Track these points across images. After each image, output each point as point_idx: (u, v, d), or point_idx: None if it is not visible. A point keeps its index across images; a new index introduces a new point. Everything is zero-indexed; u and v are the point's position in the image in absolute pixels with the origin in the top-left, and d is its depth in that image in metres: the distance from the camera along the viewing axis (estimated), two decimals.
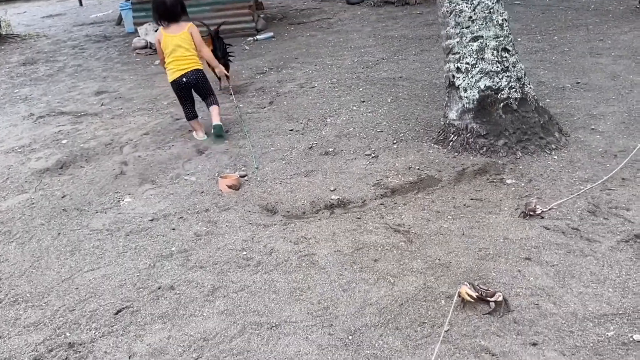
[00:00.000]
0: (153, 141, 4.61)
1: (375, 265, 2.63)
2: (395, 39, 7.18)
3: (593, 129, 3.84)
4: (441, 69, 5.65)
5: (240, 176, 3.79)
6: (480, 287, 2.28)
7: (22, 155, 4.60)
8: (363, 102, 5.04)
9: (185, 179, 3.87)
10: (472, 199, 3.14)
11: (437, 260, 2.60)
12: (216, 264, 2.79)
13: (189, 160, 4.19)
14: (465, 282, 2.30)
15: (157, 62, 7.33)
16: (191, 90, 4.62)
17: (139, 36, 8.27)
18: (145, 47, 8.10)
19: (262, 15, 9.32)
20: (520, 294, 2.29)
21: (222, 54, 5.65)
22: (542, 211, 2.84)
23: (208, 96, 4.70)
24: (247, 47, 7.74)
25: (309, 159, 3.98)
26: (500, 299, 2.22)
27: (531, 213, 2.83)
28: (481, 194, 3.19)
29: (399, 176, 3.54)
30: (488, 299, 2.22)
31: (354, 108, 4.91)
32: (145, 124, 5.04)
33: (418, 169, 3.61)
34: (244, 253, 2.85)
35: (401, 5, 9.26)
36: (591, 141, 3.64)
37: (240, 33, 8.40)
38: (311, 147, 4.18)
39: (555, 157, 3.47)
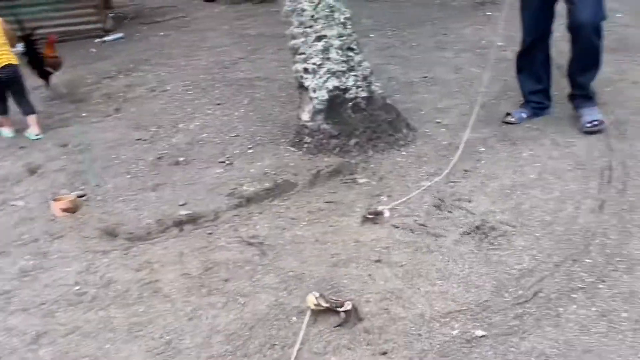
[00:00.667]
0: None
1: (225, 286, 2.45)
2: (253, 37, 7.03)
3: (438, 122, 3.98)
4: None
5: (78, 196, 3.40)
6: (330, 298, 2.20)
7: None
8: (219, 105, 4.82)
9: (12, 205, 3.40)
10: (326, 202, 3.08)
11: (291, 273, 2.49)
12: (43, 304, 2.44)
13: (19, 182, 3.70)
14: (314, 292, 2.20)
15: None
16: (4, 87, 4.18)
17: None
18: None
19: (111, 15, 8.67)
20: (371, 299, 2.25)
21: (36, 63, 5.07)
22: (385, 212, 2.82)
23: (22, 102, 4.25)
24: (93, 50, 7.13)
25: (157, 171, 3.69)
26: (350, 307, 2.15)
27: (372, 216, 2.81)
28: (335, 195, 3.14)
29: (255, 183, 3.39)
30: (338, 309, 2.15)
31: (209, 112, 4.68)
32: None
33: (274, 174, 3.48)
34: (77, 288, 2.53)
35: (259, 2, 9.11)
36: (437, 135, 3.77)
37: (86, 34, 7.73)
38: (160, 157, 3.89)
39: (404, 153, 3.53)
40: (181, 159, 3.83)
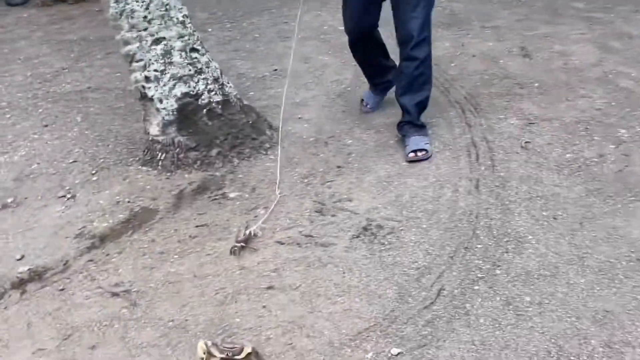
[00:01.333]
0: None
1: (93, 355, 2.02)
2: (75, 43, 6.22)
3: (300, 117, 3.80)
4: None
5: None
6: (224, 346, 1.89)
7: None
8: (46, 126, 4.13)
9: None
10: (197, 227, 2.74)
11: (171, 322, 2.13)
12: None
13: None
14: (204, 341, 1.89)
15: None
16: None
17: None
18: None
19: None
20: (272, 336, 2.00)
21: None
22: (256, 232, 2.55)
23: None
24: None
25: None
26: (250, 351, 1.87)
27: (242, 245, 2.48)
28: (206, 217, 2.80)
29: (107, 216, 2.92)
30: (236, 357, 1.86)
31: (36, 136, 3.98)
32: None
33: (128, 201, 3.03)
34: None
35: (75, 2, 8.14)
36: (301, 132, 3.58)
37: None
38: None
39: (272, 157, 3.29)
40: (9, 200, 3.18)
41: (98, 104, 4.46)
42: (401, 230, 2.48)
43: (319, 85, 4.35)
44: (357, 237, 2.48)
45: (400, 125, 3.22)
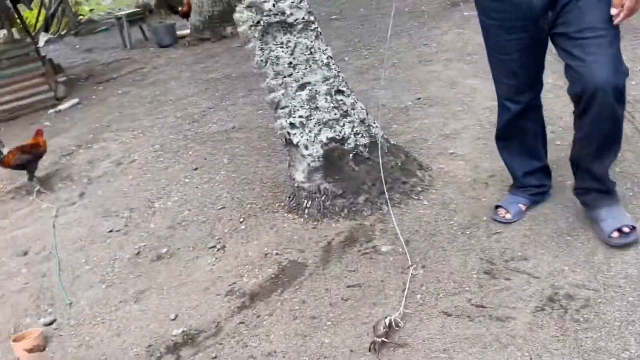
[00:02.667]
0: None
1: None
2: (219, 81, 6.46)
3: (452, 153, 3.45)
4: None
5: (46, 325, 2.78)
6: None
7: None
8: (196, 169, 4.23)
9: None
10: (349, 287, 2.51)
11: None
12: None
13: None
14: None
15: None
16: None
17: None
18: None
19: (61, 80, 8.04)
20: None
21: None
22: (398, 323, 2.12)
23: None
24: (47, 124, 6.48)
25: (137, 272, 3.08)
26: None
27: (383, 340, 2.05)
28: (357, 275, 2.56)
29: (256, 271, 2.81)
30: None
31: (187, 180, 4.08)
32: None
33: (276, 254, 2.90)
34: None
35: (218, 40, 8.57)
36: (455, 170, 3.23)
37: (38, 106, 7.09)
38: (139, 252, 3.28)
39: (426, 202, 2.97)
40: (163, 250, 3.23)
41: (243, 144, 4.50)
42: (600, 303, 2.02)
43: (469, 113, 3.96)
44: (542, 309, 2.07)
45: (580, 192, 2.46)
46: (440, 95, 4.38)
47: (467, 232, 2.64)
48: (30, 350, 2.59)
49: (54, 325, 2.80)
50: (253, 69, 3.07)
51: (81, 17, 14.13)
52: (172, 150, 4.71)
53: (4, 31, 11.04)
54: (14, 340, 2.64)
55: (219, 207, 3.56)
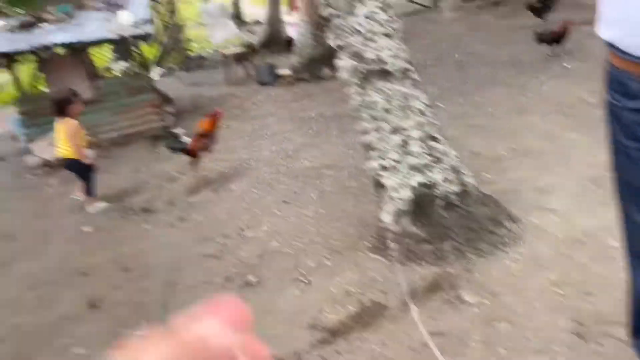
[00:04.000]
0: (37, 296, 3.74)
1: None
2: (314, 120, 6.73)
3: (545, 207, 3.37)
4: None
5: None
6: None
7: None
8: (286, 202, 4.43)
9: (76, 354, 3.04)
10: (431, 334, 2.51)
11: None
12: None
13: (79, 319, 3.37)
14: None
15: (54, 182, 6.53)
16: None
17: (34, 154, 7.42)
18: (41, 165, 7.23)
19: (170, 111, 8.71)
20: None
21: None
22: None
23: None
24: (157, 151, 7.03)
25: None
26: None
27: None
28: (441, 323, 2.56)
29: (338, 307, 2.88)
30: None
31: (277, 212, 4.27)
32: (32, 272, 4.16)
33: (359, 292, 2.97)
34: None
35: (315, 81, 8.93)
36: (547, 225, 3.15)
37: (149, 134, 7.72)
38: (229, 277, 3.47)
39: (515, 255, 2.93)
40: (252, 278, 3.39)
41: (332, 181, 4.64)
42: None
43: (565, 167, 3.85)
44: None
45: None
46: (536, 147, 4.30)
47: (558, 291, 2.56)
48: None
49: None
50: (350, 112, 3.21)
51: (191, 53, 15.27)
52: (266, 183, 4.95)
53: (124, 63, 12.18)
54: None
55: (306, 241, 3.69)
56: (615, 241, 2.84)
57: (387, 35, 2.93)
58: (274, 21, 13.90)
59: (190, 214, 4.64)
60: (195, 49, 16.50)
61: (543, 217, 3.25)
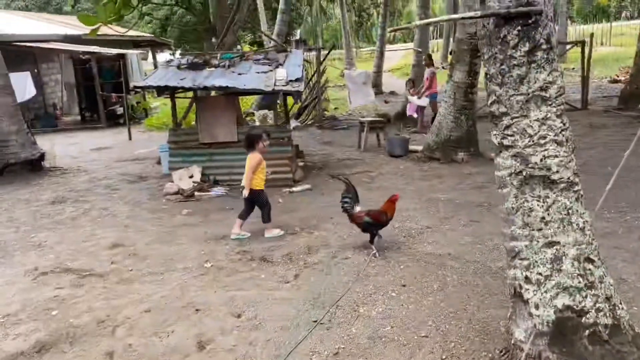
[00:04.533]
0: (152, 322, 3.89)
1: None
2: (442, 203, 6.55)
3: None
4: (496, 248, 4.90)
5: None
6: None
7: (1, 328, 3.94)
8: (404, 286, 4.27)
9: None
10: None
11: None
12: None
13: (186, 357, 3.42)
14: None
15: (185, 211, 6.93)
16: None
17: (173, 181, 7.99)
18: (176, 193, 7.76)
19: (300, 165, 9.01)
20: None
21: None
22: None
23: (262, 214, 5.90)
24: (280, 200, 7.25)
25: None
26: None
27: None
28: None
29: None
30: None
31: (394, 295, 4.13)
32: (151, 295, 4.37)
33: None
34: None
35: (447, 162, 8.79)
36: None
37: (277, 184, 8.00)
38: (337, 352, 3.36)
39: None
40: None
41: (456, 274, 4.42)
42: None
43: None
44: None
45: None
46: None
47: None
48: None
49: None
50: (500, 213, 3.05)
51: (326, 112, 15.89)
52: (385, 260, 4.83)
53: (268, 112, 12.92)
54: None
55: (422, 334, 3.50)
56: None
57: (558, 142, 2.76)
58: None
59: (305, 274, 4.64)
60: (331, 109, 17.18)
61: None
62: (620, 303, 2.86)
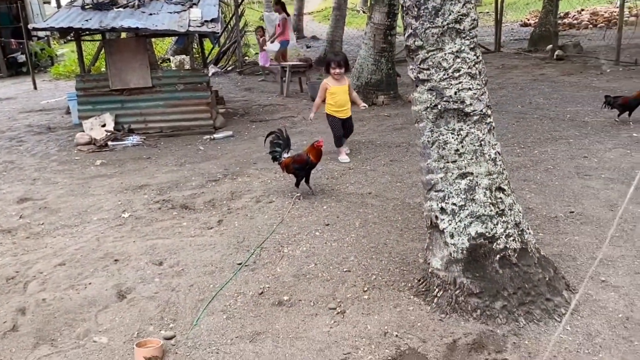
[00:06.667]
0: (67, 276, 3.71)
1: None
2: (363, 145, 6.63)
3: (604, 281, 3.17)
4: (414, 185, 5.04)
5: (165, 338, 2.92)
6: None
7: None
8: (327, 225, 4.32)
9: (95, 341, 2.97)
10: None
11: None
12: None
13: (105, 308, 3.30)
14: None
15: (99, 162, 6.59)
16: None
17: (84, 131, 7.52)
18: (89, 143, 7.33)
19: (221, 111, 8.76)
20: None
21: None
22: None
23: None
24: (201, 148, 7.05)
25: (257, 312, 3.15)
26: None
27: None
28: None
29: (373, 347, 2.74)
30: None
31: (317, 233, 4.17)
32: (64, 248, 4.15)
33: (396, 335, 2.82)
34: None
35: (368, 106, 8.84)
36: (606, 301, 2.96)
37: (196, 130, 7.77)
38: (262, 292, 3.37)
39: (568, 327, 2.74)
40: (285, 297, 3.28)
41: (376, 211, 4.52)
42: None
43: (628, 242, 3.64)
44: None
45: None
46: (596, 214, 4.10)
47: None
48: (148, 359, 2.72)
49: (172, 341, 2.92)
50: (417, 147, 3.10)
51: (247, 58, 15.43)
52: (308, 201, 4.85)
53: (184, 58, 12.36)
54: (137, 345, 2.80)
55: (344, 269, 3.57)
56: None
57: (471, 75, 2.81)
58: (335, 39, 13.97)
59: (229, 219, 4.57)
60: (252, 55, 16.71)
61: (601, 291, 3.06)
62: (528, 229, 3.04)
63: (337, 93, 5.98)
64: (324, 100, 6.12)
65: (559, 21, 15.57)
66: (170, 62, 13.27)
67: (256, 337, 2.91)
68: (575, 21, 18.87)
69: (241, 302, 3.27)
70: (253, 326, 3.01)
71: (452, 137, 2.87)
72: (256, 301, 3.27)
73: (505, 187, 2.96)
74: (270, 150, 5.24)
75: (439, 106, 2.87)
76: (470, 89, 2.83)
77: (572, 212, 4.17)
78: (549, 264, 3.02)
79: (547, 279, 2.91)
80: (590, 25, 18.24)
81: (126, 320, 3.15)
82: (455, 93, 2.83)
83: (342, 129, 6.12)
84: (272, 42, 11.94)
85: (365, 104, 6.33)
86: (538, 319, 2.77)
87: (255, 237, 4.17)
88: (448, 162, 2.90)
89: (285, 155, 5.18)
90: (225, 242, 4.11)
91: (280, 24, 11.90)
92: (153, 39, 11.60)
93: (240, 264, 3.74)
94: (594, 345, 2.60)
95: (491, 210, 2.89)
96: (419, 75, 2.90)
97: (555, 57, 12.24)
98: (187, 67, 11.41)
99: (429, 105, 2.90)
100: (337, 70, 5.91)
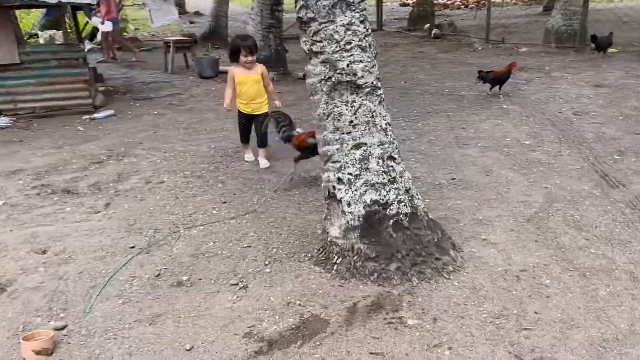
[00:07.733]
0: None
1: None
2: None
3: (484, 239, 3.47)
4: (309, 159, 5.12)
5: (56, 329, 2.73)
6: None
7: None
8: (224, 203, 4.26)
9: None
10: (371, 353, 2.47)
11: None
12: None
13: None
14: None
15: None
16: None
17: None
18: None
19: (101, 89, 8.22)
20: None
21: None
22: None
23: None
24: (81, 128, 6.58)
25: (155, 294, 3.05)
26: None
27: None
28: (381, 343, 2.53)
29: (277, 318, 2.78)
30: None
31: (214, 212, 4.10)
32: None
33: (299, 304, 2.88)
34: None
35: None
36: (487, 257, 3.24)
37: (74, 110, 7.21)
38: (159, 274, 3.26)
39: (456, 283, 2.97)
40: (184, 277, 3.21)
41: (274, 187, 4.54)
42: None
43: (503, 203, 4.00)
44: None
45: None
46: (475, 180, 4.45)
47: (497, 322, 2.62)
48: (38, 353, 2.54)
49: (64, 331, 2.74)
50: (312, 120, 3.15)
51: (126, 34, 14.55)
52: (203, 179, 4.75)
53: (55, 32, 11.37)
54: (24, 339, 2.59)
55: (244, 245, 3.56)
56: (549, 279, 2.98)
57: (362, 48, 2.89)
58: (220, 15, 13.61)
59: (117, 202, 4.34)
60: (131, 30, 15.79)
61: (482, 249, 3.34)
62: (417, 194, 3.23)
63: (245, 83, 5.02)
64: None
65: (435, 1, 16.44)
66: (38, 37, 12.14)
67: (156, 319, 2.82)
68: (449, 1, 20.05)
69: (137, 286, 3.13)
70: (152, 309, 2.91)
71: (346, 109, 2.94)
72: (153, 283, 3.16)
73: (396, 156, 3.11)
74: (281, 132, 4.73)
75: (333, 78, 2.92)
76: (361, 61, 2.91)
77: (454, 178, 4.49)
78: (437, 226, 3.24)
79: (435, 240, 3.12)
80: (462, 6, 19.50)
81: (8, 314, 2.89)
82: (348, 65, 2.89)
83: (249, 130, 5.21)
84: (102, 23, 11.02)
85: (279, 102, 5.27)
86: (429, 277, 2.97)
87: (148, 219, 4.01)
88: (343, 134, 2.98)
89: (298, 129, 4.79)
90: (115, 226, 3.90)
91: (105, 1, 10.69)
92: (17, 11, 10.51)
93: (133, 247, 3.58)
94: (479, 298, 2.84)
95: (384, 179, 3.02)
96: (312, 47, 2.92)
97: (432, 35, 12.94)
98: (58, 42, 10.52)
99: (323, 78, 2.94)
100: (250, 58, 4.96)
